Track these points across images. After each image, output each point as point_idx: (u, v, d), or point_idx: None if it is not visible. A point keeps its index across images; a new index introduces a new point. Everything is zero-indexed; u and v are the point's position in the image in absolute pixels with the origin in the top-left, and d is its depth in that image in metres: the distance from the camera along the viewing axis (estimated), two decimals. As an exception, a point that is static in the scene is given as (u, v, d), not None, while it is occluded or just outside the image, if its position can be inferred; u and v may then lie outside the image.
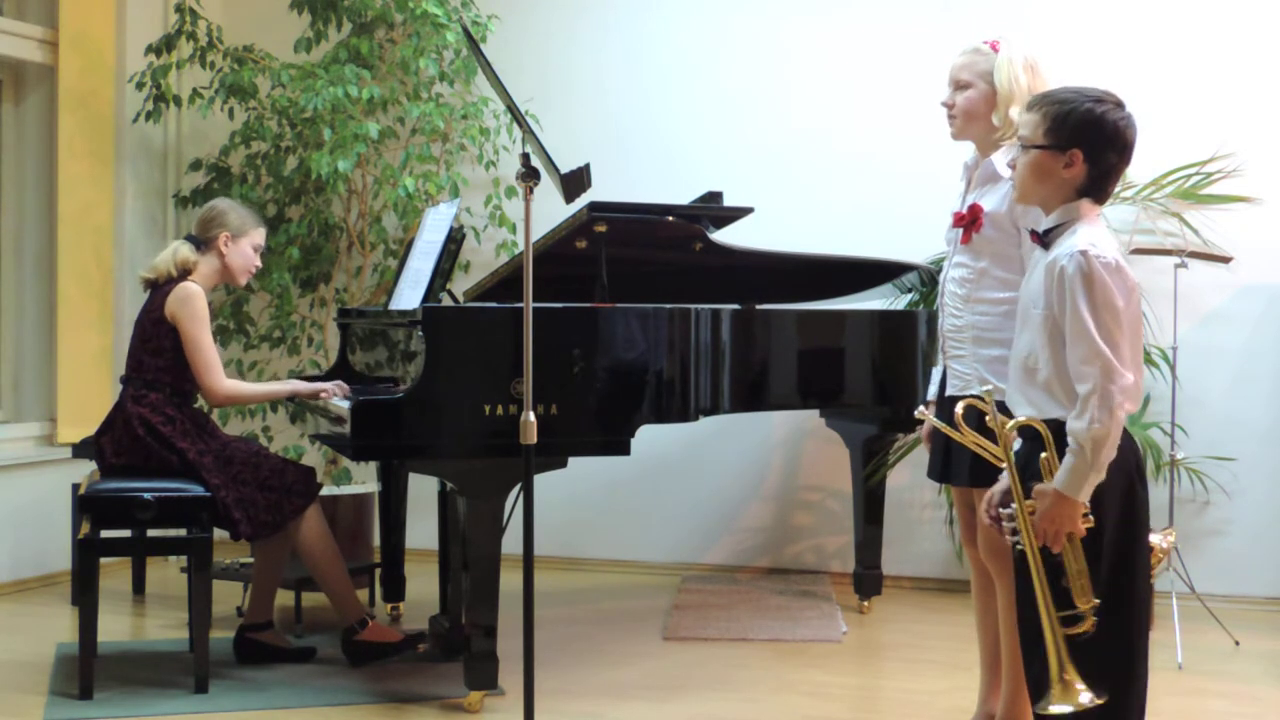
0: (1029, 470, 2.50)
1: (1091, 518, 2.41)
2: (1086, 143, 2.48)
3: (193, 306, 4.02)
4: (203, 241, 4.18)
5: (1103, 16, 5.17)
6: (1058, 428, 2.45)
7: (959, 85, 3.25)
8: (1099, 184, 2.51)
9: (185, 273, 4.11)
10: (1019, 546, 2.46)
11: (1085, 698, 2.34)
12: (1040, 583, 2.40)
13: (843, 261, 4.65)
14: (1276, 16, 5.05)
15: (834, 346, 4.56)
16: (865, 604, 4.96)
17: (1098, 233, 2.48)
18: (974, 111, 3.22)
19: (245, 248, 4.20)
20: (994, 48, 3.20)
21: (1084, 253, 2.40)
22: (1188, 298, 4.86)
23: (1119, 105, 2.51)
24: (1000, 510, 2.54)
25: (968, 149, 3.34)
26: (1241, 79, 5.05)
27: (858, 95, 5.47)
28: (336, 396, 4.10)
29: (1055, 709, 2.34)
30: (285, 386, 4.27)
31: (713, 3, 5.67)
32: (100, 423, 4.12)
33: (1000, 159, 3.18)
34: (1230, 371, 5.08)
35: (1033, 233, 2.59)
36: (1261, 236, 4.99)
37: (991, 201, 3.16)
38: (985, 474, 3.15)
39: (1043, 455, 2.46)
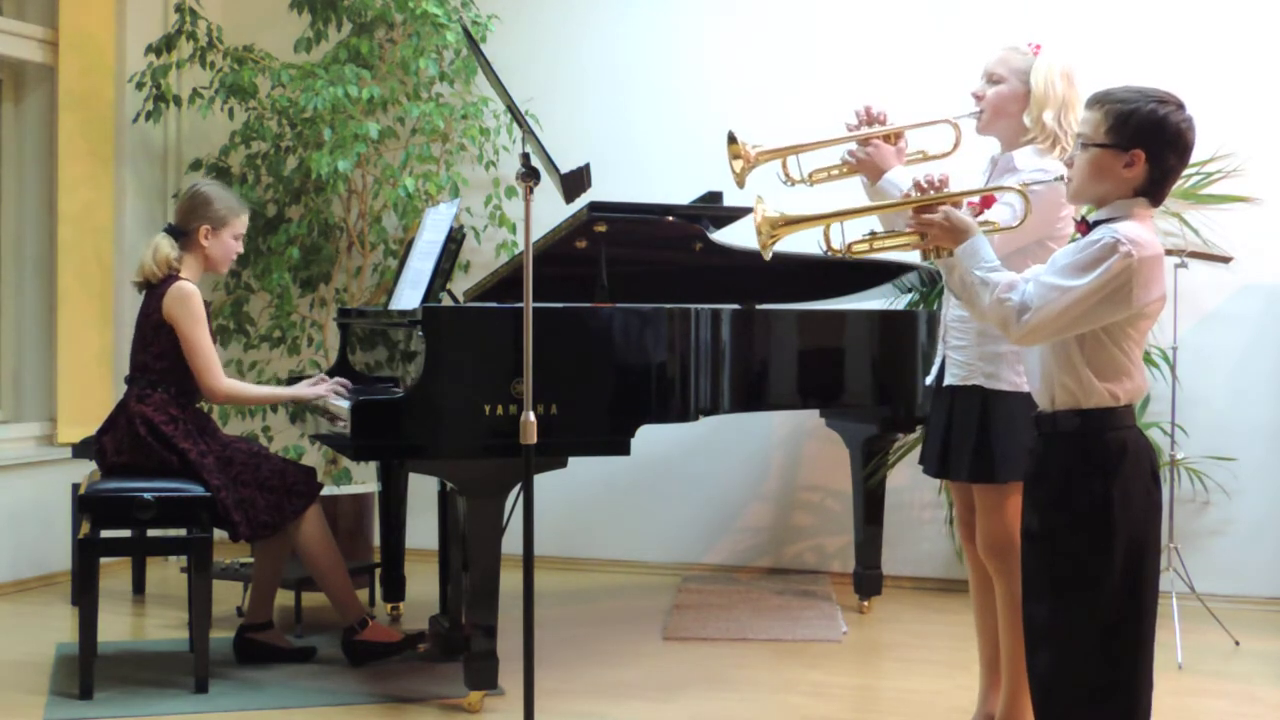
0: (1040, 474, 2.49)
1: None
2: (1149, 143, 2.43)
3: (190, 307, 4.01)
4: (183, 232, 4.14)
5: (1102, 17, 5.17)
6: (1078, 421, 2.44)
7: (992, 79, 3.24)
8: (1158, 185, 2.46)
9: (172, 271, 4.09)
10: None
11: None
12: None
13: (842, 261, 4.64)
14: (1277, 17, 5.05)
15: (834, 346, 4.55)
16: (865, 604, 4.96)
17: (1142, 228, 2.42)
18: (1003, 107, 3.21)
19: (226, 239, 4.16)
20: (1035, 50, 3.20)
21: (1118, 239, 2.37)
22: (1188, 298, 4.86)
23: (1180, 107, 2.46)
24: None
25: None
26: (1241, 79, 5.05)
27: (859, 96, 5.45)
28: (338, 396, 4.10)
29: None
30: (287, 392, 4.28)
31: (712, 3, 5.67)
32: (102, 422, 4.11)
33: (1022, 155, 3.17)
34: (1230, 371, 5.08)
35: (1081, 221, 2.52)
36: (1261, 236, 4.99)
37: None
38: (985, 469, 3.16)
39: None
